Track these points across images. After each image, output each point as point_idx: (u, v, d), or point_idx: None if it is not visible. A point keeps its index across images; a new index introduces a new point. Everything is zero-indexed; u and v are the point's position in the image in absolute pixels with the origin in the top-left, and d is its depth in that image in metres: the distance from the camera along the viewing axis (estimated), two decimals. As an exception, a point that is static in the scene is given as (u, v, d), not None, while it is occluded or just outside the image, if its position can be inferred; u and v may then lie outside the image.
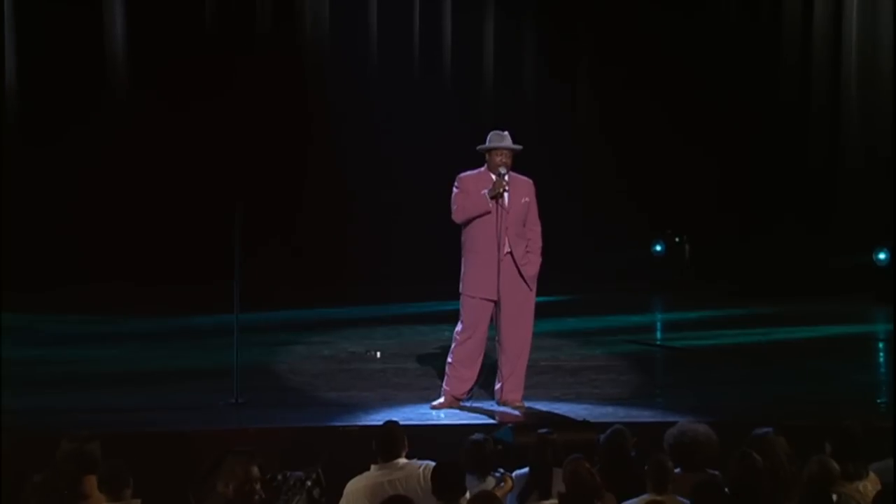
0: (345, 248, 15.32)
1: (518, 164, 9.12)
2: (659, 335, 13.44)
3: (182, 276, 14.47)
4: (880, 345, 12.23)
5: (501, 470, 6.84)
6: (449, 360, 9.22)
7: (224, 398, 9.29)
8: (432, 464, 6.53)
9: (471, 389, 9.24)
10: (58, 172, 14.64)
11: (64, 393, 9.68)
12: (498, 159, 9.01)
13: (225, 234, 9.75)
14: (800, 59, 16.20)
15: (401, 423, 7.10)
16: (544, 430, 6.96)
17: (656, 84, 15.75)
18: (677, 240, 15.97)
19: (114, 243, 14.64)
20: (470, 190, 9.02)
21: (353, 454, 7.24)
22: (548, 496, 6.57)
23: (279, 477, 6.75)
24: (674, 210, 15.91)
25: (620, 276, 15.37)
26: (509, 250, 9.01)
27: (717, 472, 6.54)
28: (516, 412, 9.02)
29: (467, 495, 6.28)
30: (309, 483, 6.75)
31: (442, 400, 9.19)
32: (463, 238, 9.16)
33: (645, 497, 6.27)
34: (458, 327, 9.19)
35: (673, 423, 7.01)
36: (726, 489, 6.12)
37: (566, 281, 13.93)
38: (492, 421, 8.73)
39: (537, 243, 9.19)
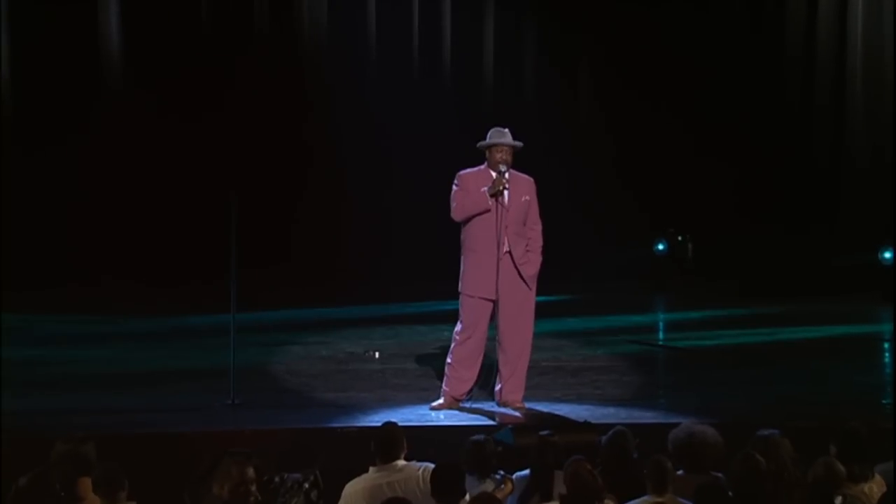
0: (343, 247, 15.31)
1: (519, 162, 9.11)
2: (661, 335, 13.45)
3: (178, 275, 14.47)
4: (885, 345, 12.23)
5: (502, 472, 6.84)
6: (448, 360, 9.21)
7: (220, 399, 9.29)
8: (431, 465, 6.53)
9: (470, 390, 9.24)
10: (52, 171, 14.63)
11: (58, 394, 9.68)
12: (498, 156, 9.01)
13: (221, 233, 9.75)
14: (804, 57, 16.20)
15: (400, 424, 7.10)
16: (545, 432, 6.95)
17: (659, 81, 15.74)
18: (680, 238, 15.96)
19: (108, 242, 14.63)
20: (470, 188, 9.02)
21: (352, 456, 7.24)
22: (549, 498, 6.57)
23: (276, 479, 6.75)
24: (676, 208, 15.90)
25: (622, 276, 15.37)
26: (508, 249, 9.01)
27: (720, 475, 6.54)
28: (517, 413, 9.02)
29: (467, 497, 6.28)
30: (306, 485, 6.75)
31: (441, 401, 9.19)
32: (462, 236, 9.15)
33: (646, 499, 6.27)
34: (458, 327, 9.18)
35: (675, 425, 7.01)
36: (730, 492, 6.12)
37: (567, 280, 13.94)
38: (492, 422, 8.73)
39: (538, 242, 9.18)
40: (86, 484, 6.19)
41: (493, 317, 9.11)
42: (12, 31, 14.73)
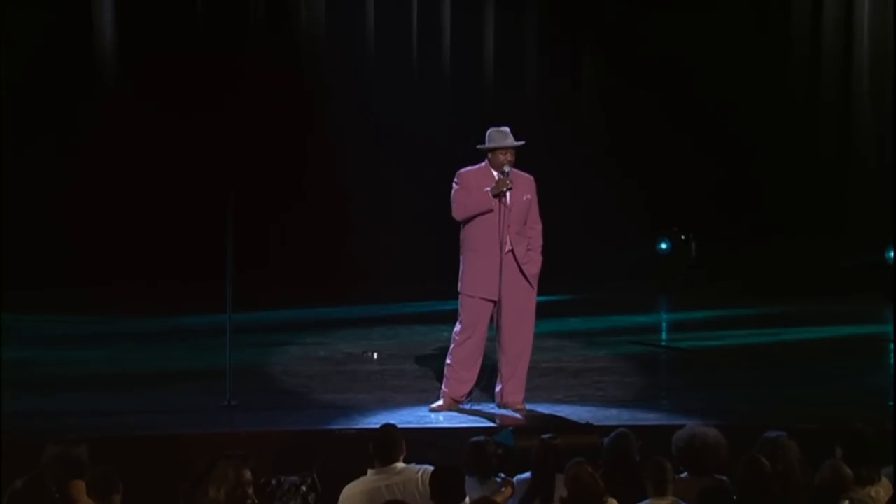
0: (341, 246, 15.30)
1: (520, 160, 9.11)
2: (664, 336, 13.44)
3: (173, 275, 14.46)
4: (892, 346, 12.22)
5: (502, 474, 6.84)
6: (448, 361, 9.21)
7: (216, 400, 9.29)
8: (431, 468, 6.53)
9: (470, 391, 9.24)
10: (45, 170, 14.61)
11: (52, 395, 9.67)
12: (502, 157, 9.01)
13: (218, 232, 9.74)
14: (810, 54, 16.19)
15: (398, 426, 7.11)
16: (546, 435, 6.96)
17: (661, 79, 15.73)
18: (683, 238, 15.95)
19: (103, 241, 14.61)
20: (470, 186, 9.01)
21: (350, 458, 7.25)
22: (550, 502, 6.57)
23: (273, 482, 6.76)
24: (680, 207, 15.89)
25: (624, 275, 15.35)
26: (511, 248, 9.01)
27: (725, 478, 6.54)
28: (517, 415, 9.02)
29: (467, 500, 6.28)
30: (304, 488, 6.76)
31: (441, 402, 9.19)
32: (462, 236, 9.15)
33: (647, 502, 6.27)
34: (457, 328, 9.18)
35: (679, 427, 7.02)
36: (734, 496, 6.12)
37: (569, 280, 13.93)
38: (492, 424, 8.74)
39: (538, 242, 9.19)
40: (79, 487, 6.18)
41: (493, 317, 9.11)
42: (5, 29, 14.70)
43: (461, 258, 9.16)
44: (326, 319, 13.32)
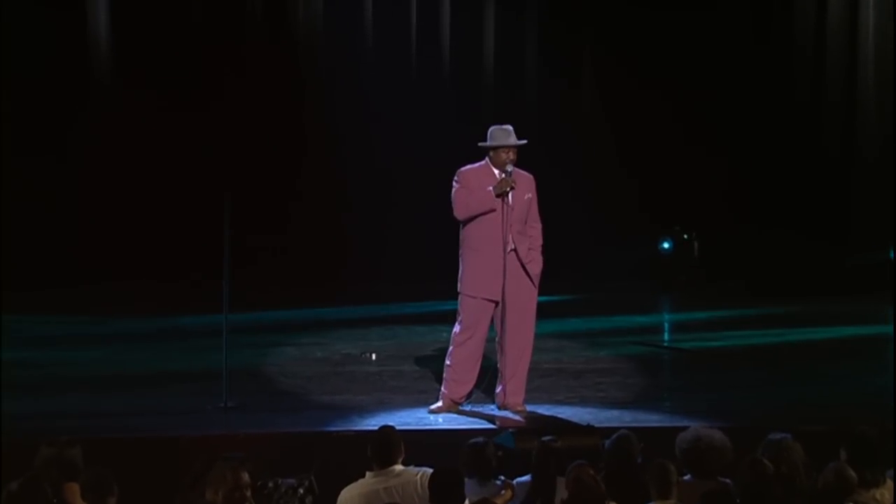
0: (339, 245, 15.30)
1: (520, 160, 9.10)
2: (667, 336, 13.45)
3: (169, 274, 14.46)
4: (893, 346, 12.22)
5: (502, 477, 6.85)
6: (447, 362, 9.21)
7: (213, 402, 9.30)
8: (430, 471, 6.53)
9: (470, 393, 9.24)
10: (40, 170, 14.60)
11: (45, 397, 9.67)
12: (505, 156, 9.00)
13: (214, 231, 9.75)
14: (814, 52, 16.19)
15: (397, 427, 7.11)
16: (547, 437, 6.96)
17: (664, 77, 15.72)
18: (686, 237, 15.95)
19: (98, 241, 14.61)
20: (472, 185, 9.01)
21: (348, 460, 7.25)
22: (551, 504, 6.58)
23: (270, 484, 6.76)
24: (682, 206, 15.89)
25: (626, 275, 15.36)
26: (513, 247, 9.01)
27: (729, 481, 6.54)
28: (518, 416, 9.02)
29: (467, 503, 6.28)
30: (301, 491, 6.77)
31: (440, 404, 9.19)
32: (462, 235, 9.14)
33: (650, 505, 6.28)
34: (457, 328, 9.18)
35: (681, 429, 7.02)
36: (738, 500, 6.12)
37: (570, 280, 13.93)
38: (492, 426, 8.74)
39: (538, 241, 9.19)
40: (73, 489, 6.19)
41: (494, 317, 9.11)
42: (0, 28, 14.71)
43: (461, 258, 9.16)
44: (324, 320, 13.32)
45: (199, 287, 12.88)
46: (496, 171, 9.03)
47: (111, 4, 15.06)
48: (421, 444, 7.48)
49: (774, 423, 7.88)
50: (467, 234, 9.10)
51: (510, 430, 8.17)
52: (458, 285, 9.14)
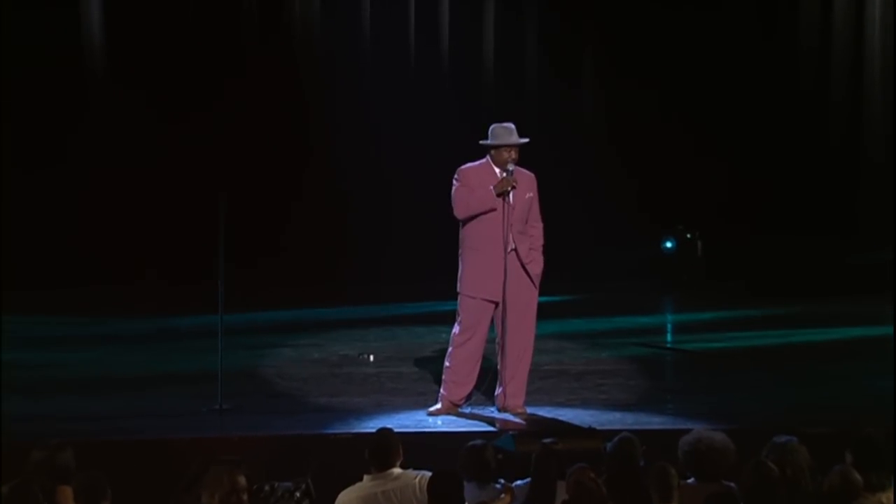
0: (338, 245, 15.30)
1: (521, 159, 9.09)
2: (669, 337, 13.43)
3: (164, 275, 14.47)
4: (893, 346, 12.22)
5: (502, 480, 6.84)
6: (446, 363, 9.20)
7: (208, 404, 9.30)
8: (429, 473, 6.52)
9: (469, 395, 9.23)
10: (36, 170, 14.61)
11: (38, 398, 9.67)
12: (506, 155, 8.99)
13: (210, 231, 9.74)
14: (818, 51, 16.20)
15: (395, 430, 7.10)
16: (548, 439, 6.95)
17: (665, 77, 15.74)
18: (689, 236, 15.94)
19: (93, 241, 14.62)
20: (472, 184, 8.99)
21: (345, 463, 7.25)
22: (551, 508, 6.57)
23: (266, 487, 6.75)
24: (685, 205, 15.89)
25: (628, 275, 15.36)
26: (514, 247, 9.00)
27: (733, 485, 6.53)
28: (518, 419, 9.02)
29: (466, 506, 6.28)
30: (298, 494, 6.76)
31: (439, 406, 9.19)
32: (462, 235, 9.13)
33: (651, 508, 6.27)
34: (456, 329, 9.17)
35: (684, 431, 7.00)
36: (741, 502, 6.11)
37: (571, 280, 13.93)
38: (492, 428, 8.74)
39: (539, 241, 9.19)
40: (65, 493, 6.19)
41: (494, 318, 9.10)
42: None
43: (460, 258, 9.15)
44: (321, 320, 13.32)
45: (194, 288, 12.86)
46: (497, 170, 9.02)
47: (105, 4, 15.05)
48: (420, 447, 7.48)
49: (779, 425, 7.89)
50: (467, 234, 9.09)
51: (510, 432, 8.16)
52: (458, 285, 9.13)
